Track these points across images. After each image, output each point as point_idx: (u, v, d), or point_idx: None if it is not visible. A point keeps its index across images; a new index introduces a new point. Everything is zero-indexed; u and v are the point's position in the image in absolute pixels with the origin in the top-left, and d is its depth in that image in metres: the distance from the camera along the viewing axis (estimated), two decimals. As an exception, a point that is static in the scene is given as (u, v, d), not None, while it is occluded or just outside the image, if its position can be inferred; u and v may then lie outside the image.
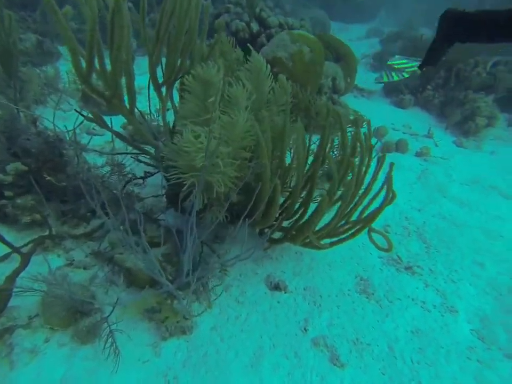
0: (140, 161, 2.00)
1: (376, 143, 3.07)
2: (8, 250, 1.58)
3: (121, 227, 1.43)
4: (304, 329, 1.49)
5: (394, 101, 4.08)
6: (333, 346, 1.41)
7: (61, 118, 3.04)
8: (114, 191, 1.74)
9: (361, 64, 5.46)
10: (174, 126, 1.86)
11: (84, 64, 1.16)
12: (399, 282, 1.81)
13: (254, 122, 1.32)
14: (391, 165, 1.46)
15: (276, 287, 1.69)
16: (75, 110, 1.57)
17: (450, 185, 2.76)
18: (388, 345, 1.46)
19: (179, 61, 1.46)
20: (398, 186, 2.61)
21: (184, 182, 1.40)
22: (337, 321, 1.54)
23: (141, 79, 4.07)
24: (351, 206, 1.52)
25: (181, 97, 1.62)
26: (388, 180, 1.44)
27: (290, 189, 1.80)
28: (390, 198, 1.42)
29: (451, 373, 1.40)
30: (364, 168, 1.47)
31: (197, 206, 1.34)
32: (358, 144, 1.48)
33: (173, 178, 1.44)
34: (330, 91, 3.33)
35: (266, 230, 1.88)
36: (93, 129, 2.79)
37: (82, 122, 1.77)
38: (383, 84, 4.18)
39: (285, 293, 1.68)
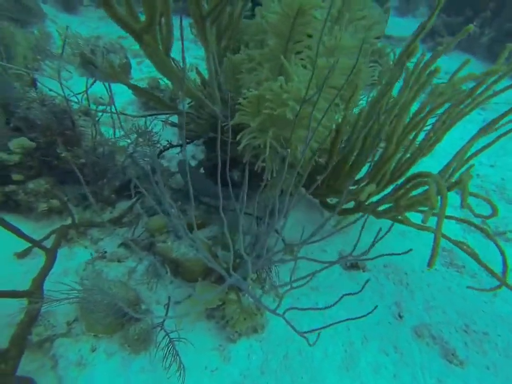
0: (174, 124, 1.64)
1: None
2: (28, 244, 1.30)
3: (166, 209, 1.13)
4: (399, 315, 1.22)
5: (431, 47, 3.58)
6: (441, 338, 1.15)
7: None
8: (146, 166, 1.42)
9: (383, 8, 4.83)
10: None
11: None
12: (493, 251, 1.52)
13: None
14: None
15: (353, 266, 1.41)
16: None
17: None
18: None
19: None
20: (456, 139, 2.25)
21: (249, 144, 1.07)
22: (435, 304, 1.27)
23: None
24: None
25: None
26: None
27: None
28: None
29: None
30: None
31: (268, 174, 1.02)
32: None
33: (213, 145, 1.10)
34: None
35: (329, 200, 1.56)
36: (100, 98, 2.40)
37: (93, 82, 1.40)
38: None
39: (364, 271, 1.41)
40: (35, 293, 1.08)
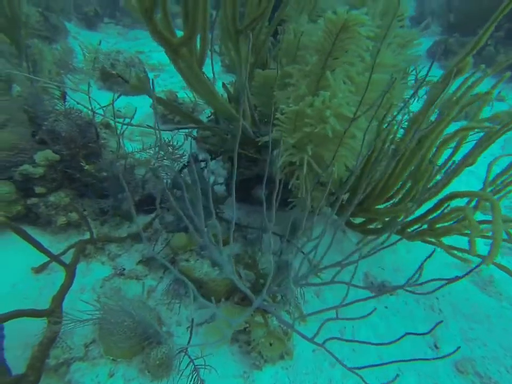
0: (195, 138, 1.62)
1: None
2: (45, 258, 1.26)
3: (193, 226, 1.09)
4: (435, 346, 1.15)
5: (445, 65, 3.59)
6: (489, 377, 1.06)
7: (82, 100, 2.70)
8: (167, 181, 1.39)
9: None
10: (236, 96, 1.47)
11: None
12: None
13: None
14: None
15: (379, 286, 1.35)
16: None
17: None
18: None
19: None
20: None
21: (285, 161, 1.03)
22: (473, 335, 1.19)
23: (162, 56, 3.68)
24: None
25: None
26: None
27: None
28: None
29: None
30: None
31: (303, 192, 0.98)
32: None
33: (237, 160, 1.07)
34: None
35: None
36: (118, 111, 2.42)
37: (118, 97, 1.39)
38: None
39: (392, 295, 1.34)
40: (55, 311, 1.03)
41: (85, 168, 1.24)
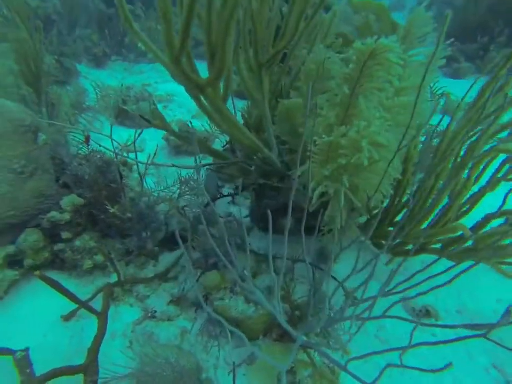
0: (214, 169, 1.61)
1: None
2: (73, 304, 1.23)
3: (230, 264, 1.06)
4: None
5: (448, 72, 3.61)
6: None
7: (95, 137, 2.76)
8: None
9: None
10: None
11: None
12: None
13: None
14: None
15: (421, 313, 1.28)
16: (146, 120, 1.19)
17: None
18: None
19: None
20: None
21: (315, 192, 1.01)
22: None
23: (168, 86, 3.76)
24: None
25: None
26: None
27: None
28: None
29: None
30: None
31: (339, 223, 0.95)
32: None
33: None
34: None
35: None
36: (131, 145, 2.44)
37: (139, 135, 1.40)
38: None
39: (437, 320, 1.27)
40: (90, 366, 0.99)
41: (110, 210, 1.23)
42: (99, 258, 1.43)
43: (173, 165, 1.22)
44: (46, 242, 1.33)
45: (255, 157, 1.24)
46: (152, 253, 1.49)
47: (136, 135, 1.37)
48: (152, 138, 2.62)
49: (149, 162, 1.24)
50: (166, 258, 1.52)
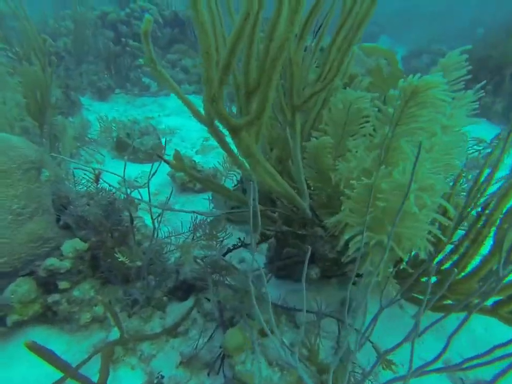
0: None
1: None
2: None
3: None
4: None
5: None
6: None
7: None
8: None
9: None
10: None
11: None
12: None
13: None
14: None
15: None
16: (160, 157, 1.11)
17: None
18: None
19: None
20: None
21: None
22: None
23: (170, 120, 3.74)
24: None
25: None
26: None
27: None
28: None
29: None
30: None
31: (381, 277, 0.84)
32: None
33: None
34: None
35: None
36: (136, 181, 2.34)
37: (154, 173, 1.30)
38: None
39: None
40: None
41: (119, 259, 1.09)
42: (99, 310, 1.26)
43: (194, 212, 1.12)
44: (39, 293, 1.17)
45: (279, 203, 1.15)
46: (160, 304, 1.33)
47: (151, 174, 1.27)
48: (156, 174, 2.53)
49: (165, 206, 1.13)
50: (175, 309, 1.35)
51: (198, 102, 0.88)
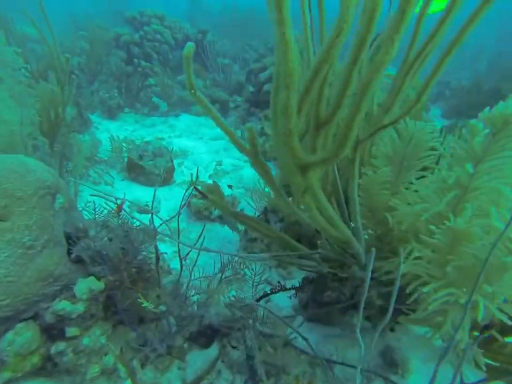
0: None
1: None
2: None
3: None
4: None
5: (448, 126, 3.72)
6: None
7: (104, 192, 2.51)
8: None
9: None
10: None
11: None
12: None
13: None
14: None
15: None
16: (194, 187, 0.98)
17: None
18: None
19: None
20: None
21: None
22: None
23: (181, 142, 3.64)
24: None
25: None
26: None
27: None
28: None
29: None
30: None
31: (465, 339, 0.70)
32: None
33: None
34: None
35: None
36: (146, 205, 2.20)
37: (185, 204, 1.16)
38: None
39: None
40: None
41: (143, 304, 0.93)
42: (109, 360, 1.08)
43: (240, 256, 0.98)
44: (41, 341, 0.99)
45: (320, 243, 1.02)
46: (180, 352, 1.15)
47: (181, 210, 1.12)
48: (167, 198, 2.39)
49: (199, 247, 0.99)
50: (196, 358, 1.18)
51: (211, 123, 0.79)
